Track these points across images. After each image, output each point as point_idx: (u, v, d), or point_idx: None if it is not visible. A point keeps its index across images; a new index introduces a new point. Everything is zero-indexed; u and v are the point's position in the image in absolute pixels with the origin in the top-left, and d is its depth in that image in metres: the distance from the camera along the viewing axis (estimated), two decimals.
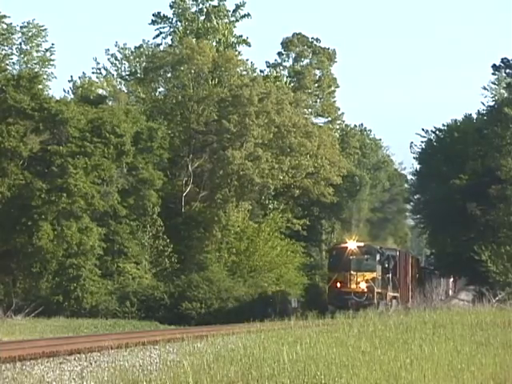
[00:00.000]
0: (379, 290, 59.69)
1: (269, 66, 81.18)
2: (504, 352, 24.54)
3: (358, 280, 58.45)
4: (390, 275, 63.19)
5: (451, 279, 72.95)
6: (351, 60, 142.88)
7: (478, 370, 20.01)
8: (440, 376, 18.41)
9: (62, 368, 17.74)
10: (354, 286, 58.34)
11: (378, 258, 60.68)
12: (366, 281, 58.45)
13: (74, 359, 19.57)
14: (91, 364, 18.66)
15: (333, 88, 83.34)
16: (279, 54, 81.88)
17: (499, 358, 22.68)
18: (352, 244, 59.77)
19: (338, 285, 58.29)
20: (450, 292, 72.54)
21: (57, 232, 55.47)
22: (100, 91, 74.16)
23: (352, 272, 58.44)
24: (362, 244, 60.62)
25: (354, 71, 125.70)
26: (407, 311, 51.05)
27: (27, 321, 47.92)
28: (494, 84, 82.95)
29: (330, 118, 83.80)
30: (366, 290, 58.15)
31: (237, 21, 76.77)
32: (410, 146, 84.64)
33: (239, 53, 75.51)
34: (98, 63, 77.74)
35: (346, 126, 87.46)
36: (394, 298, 64.23)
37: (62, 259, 55.57)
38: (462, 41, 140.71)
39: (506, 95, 78.08)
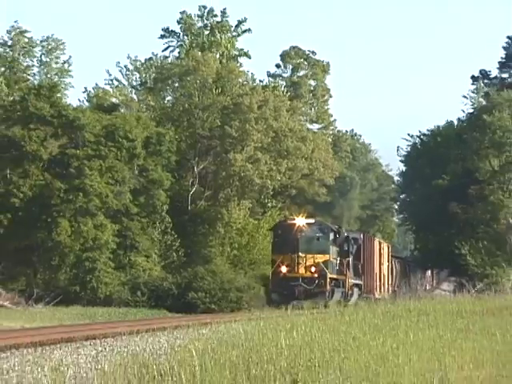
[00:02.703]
0: (334, 276, 47.61)
1: (269, 75, 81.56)
2: (482, 337, 24.59)
3: (308, 263, 45.85)
4: (351, 260, 52.67)
5: (428, 272, 72.09)
6: (344, 70, 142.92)
7: (458, 354, 20.05)
8: (424, 359, 18.44)
9: (78, 352, 17.78)
10: (302, 270, 45.91)
11: (331, 237, 47.98)
12: (317, 264, 45.78)
13: (90, 344, 19.62)
14: (105, 349, 18.71)
15: (326, 97, 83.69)
16: (278, 65, 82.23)
17: (478, 343, 22.73)
18: (300, 220, 47.41)
19: (284, 269, 46.01)
20: (427, 285, 69.28)
21: (74, 228, 55.60)
22: (113, 100, 74.23)
23: (300, 254, 45.95)
24: (312, 220, 48.55)
25: (346, 81, 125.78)
26: (394, 300, 51.14)
27: (47, 309, 47.96)
28: (473, 93, 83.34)
29: (323, 125, 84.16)
30: (316, 275, 45.76)
31: (238, 35, 77.03)
32: (397, 150, 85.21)
33: (240, 64, 75.81)
34: (110, 74, 78.06)
35: (338, 131, 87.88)
36: (357, 285, 54.11)
37: (79, 253, 55.68)
38: (444, 53, 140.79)
39: (484, 103, 78.35)
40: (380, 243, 62.74)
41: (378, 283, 58.99)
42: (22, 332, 24.81)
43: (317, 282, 45.65)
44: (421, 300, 45.47)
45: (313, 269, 45.82)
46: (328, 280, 46.06)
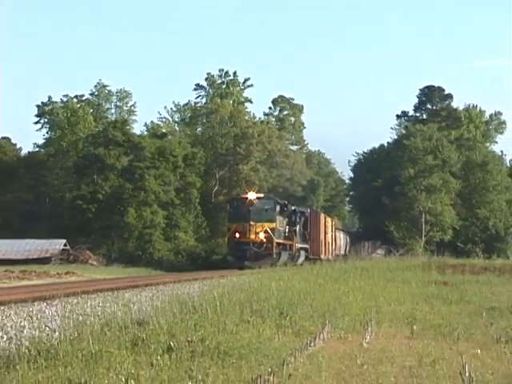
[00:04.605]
0: (280, 241, 39.60)
1: (264, 114, 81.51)
2: (403, 285, 24.64)
3: (257, 230, 37.74)
4: (299, 228, 44.29)
5: (368, 242, 71.56)
6: (313, 107, 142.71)
7: (387, 295, 20.10)
8: (365, 299, 18.49)
9: (141, 294, 17.81)
10: (252, 236, 37.66)
11: (278, 209, 39.74)
12: (265, 231, 37.67)
13: (148, 289, 19.63)
14: (158, 292, 18.72)
15: (301, 128, 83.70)
16: (270, 107, 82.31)
17: (400, 288, 22.78)
18: (252, 195, 39.47)
19: (237, 235, 37.75)
20: (367, 251, 67.52)
21: (138, 214, 55.77)
22: (163, 130, 74.30)
23: (251, 222, 37.67)
24: (261, 195, 41.12)
25: (315, 115, 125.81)
26: (346, 259, 50.77)
27: (120, 267, 48.02)
28: (397, 126, 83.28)
29: (299, 146, 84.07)
30: (264, 240, 37.62)
31: (244, 88, 77.10)
32: (348, 162, 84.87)
33: (246, 107, 75.89)
34: (160, 114, 78.31)
35: (310, 150, 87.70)
36: (304, 249, 46.05)
37: (141, 230, 55.77)
38: (381, 98, 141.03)
39: (404, 133, 78.42)
40: (325, 217, 53.47)
41: (323, 248, 50.33)
42: (104, 281, 24.83)
43: (265, 246, 37.54)
44: (363, 260, 45.52)
45: (261, 235, 37.68)
46: (274, 244, 38.04)
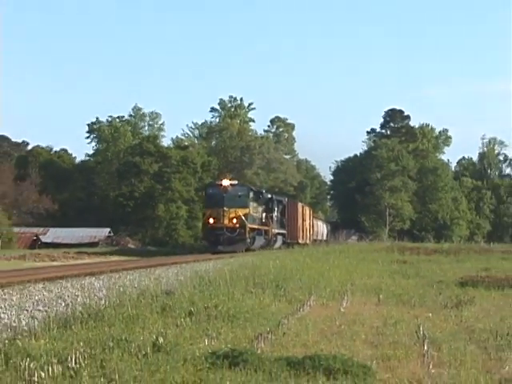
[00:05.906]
0: (254, 226, 32.35)
1: (264, 131, 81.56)
2: (372, 263, 24.65)
3: (230, 216, 30.55)
4: (275, 215, 37.12)
5: (345, 231, 71.41)
6: (303, 124, 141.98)
7: (359, 271, 20.09)
8: (342, 274, 18.48)
9: (168, 271, 17.80)
10: (226, 221, 30.48)
11: (251, 195, 32.31)
12: (238, 217, 30.53)
13: (174, 266, 19.63)
14: (181, 268, 18.72)
15: (293, 142, 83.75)
16: (268, 125, 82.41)
17: (369, 266, 22.79)
18: (226, 182, 32.03)
19: (211, 220, 30.58)
20: (340, 238, 65.73)
21: (166, 208, 55.88)
22: (185, 143, 74.33)
23: (225, 208, 30.50)
24: (235, 182, 33.60)
25: (304, 131, 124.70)
26: (328, 244, 50.57)
27: (152, 250, 47.98)
28: (368, 140, 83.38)
29: (291, 155, 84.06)
30: (237, 225, 30.49)
31: (249, 111, 77.27)
32: (329, 168, 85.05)
33: (250, 125, 76.05)
34: (183, 130, 78.46)
35: (299, 159, 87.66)
36: (281, 234, 39.03)
37: (168, 221, 55.89)
38: (356, 117, 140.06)
39: (372, 145, 78.59)
40: (303, 206, 46.34)
41: (300, 233, 43.56)
42: (139, 261, 24.88)
43: (238, 231, 30.56)
44: (340, 245, 45.45)
45: (234, 220, 30.64)
46: (248, 229, 30.98)
